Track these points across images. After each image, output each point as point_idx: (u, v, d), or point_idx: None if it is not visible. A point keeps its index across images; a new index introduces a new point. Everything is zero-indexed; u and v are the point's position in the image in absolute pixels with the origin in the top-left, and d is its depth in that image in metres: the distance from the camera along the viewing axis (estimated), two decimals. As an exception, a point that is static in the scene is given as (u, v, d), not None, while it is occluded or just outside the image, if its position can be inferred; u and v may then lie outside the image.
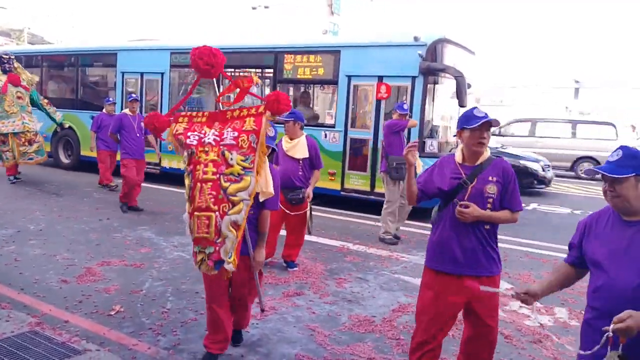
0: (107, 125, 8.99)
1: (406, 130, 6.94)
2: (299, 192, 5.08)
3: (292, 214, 5.17)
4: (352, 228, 7.47)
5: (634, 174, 1.99)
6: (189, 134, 3.00)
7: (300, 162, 5.11)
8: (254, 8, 33.13)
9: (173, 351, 3.44)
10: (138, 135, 8.02)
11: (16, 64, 9.79)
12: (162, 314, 4.02)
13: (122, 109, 10.42)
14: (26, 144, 9.36)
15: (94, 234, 6.32)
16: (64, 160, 12.08)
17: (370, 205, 8.30)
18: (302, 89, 9.77)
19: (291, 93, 9.76)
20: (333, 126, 8.65)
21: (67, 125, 11.17)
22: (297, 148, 5.10)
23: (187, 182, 2.99)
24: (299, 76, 9.13)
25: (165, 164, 10.53)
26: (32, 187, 9.31)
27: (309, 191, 5.19)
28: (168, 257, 5.53)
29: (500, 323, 4.09)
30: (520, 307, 4.52)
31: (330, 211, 8.40)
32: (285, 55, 9.15)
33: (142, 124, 7.71)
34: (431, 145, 8.06)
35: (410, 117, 7.19)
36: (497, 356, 3.10)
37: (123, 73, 11.19)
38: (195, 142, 2.97)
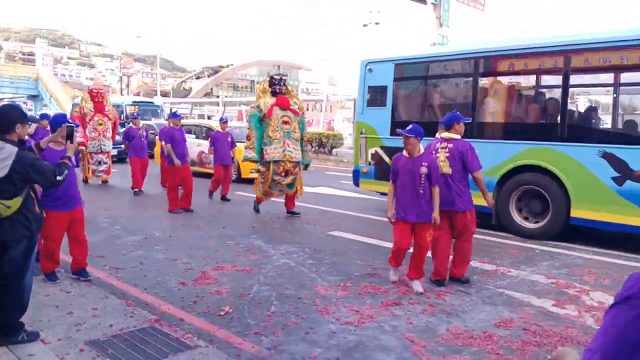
0: None
1: None
2: None
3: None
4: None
5: None
6: None
7: None
8: (365, 25, 33.84)
9: (274, 351, 3.65)
10: None
11: (289, 87, 9.17)
12: (266, 317, 4.27)
13: None
14: (282, 173, 8.49)
15: (211, 241, 6.86)
16: (523, 223, 7.59)
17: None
18: None
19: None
20: None
21: (311, 170, 9.47)
22: None
23: None
24: None
25: None
26: (166, 202, 10.27)
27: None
28: (275, 264, 5.83)
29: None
30: None
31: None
32: None
33: None
34: None
35: None
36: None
37: None
38: None
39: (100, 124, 11.77)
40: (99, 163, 11.82)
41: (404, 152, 4.96)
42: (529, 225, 7.54)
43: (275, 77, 8.97)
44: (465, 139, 5.23)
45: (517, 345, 3.80)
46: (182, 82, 75.39)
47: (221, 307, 4.43)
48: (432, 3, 20.27)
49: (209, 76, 68.66)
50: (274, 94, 8.77)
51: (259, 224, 8.14)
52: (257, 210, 9.13)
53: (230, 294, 4.80)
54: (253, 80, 77.16)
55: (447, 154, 5.15)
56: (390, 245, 6.63)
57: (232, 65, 73.78)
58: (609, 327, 0.96)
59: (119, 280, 5.10)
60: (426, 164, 4.83)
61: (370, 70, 9.45)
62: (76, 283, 4.86)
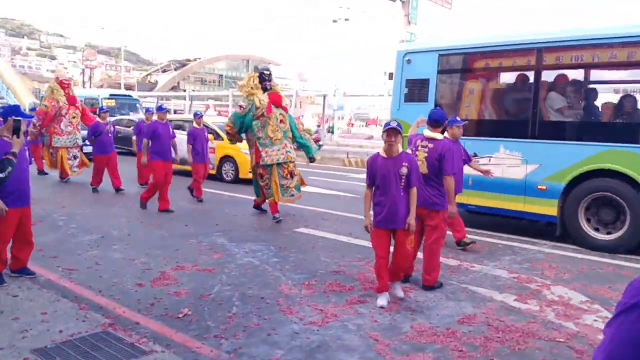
0: None
1: None
2: None
3: None
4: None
5: None
6: None
7: None
8: (334, 21, 33.89)
9: (234, 355, 3.53)
10: None
11: (273, 82, 8.58)
12: (227, 318, 4.14)
13: None
14: (288, 176, 8.08)
15: (172, 239, 6.66)
16: (593, 234, 6.80)
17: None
18: None
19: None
20: None
21: (318, 158, 8.73)
22: None
23: None
24: None
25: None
26: (125, 198, 9.98)
27: None
28: (238, 263, 5.69)
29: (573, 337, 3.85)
30: (595, 320, 4.19)
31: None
32: None
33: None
34: None
35: None
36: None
37: None
38: None
39: (74, 117, 11.47)
40: (74, 157, 11.45)
41: (381, 152, 4.55)
42: (601, 236, 6.72)
43: (264, 72, 8.41)
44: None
45: (479, 342, 3.79)
46: (147, 75, 73.79)
47: (180, 309, 4.27)
48: (400, 0, 20.38)
49: (175, 69, 67.42)
50: (264, 90, 8.24)
51: (223, 221, 7.96)
52: (276, 220, 8.07)
53: (190, 295, 4.64)
54: (221, 75, 76.02)
55: (426, 154, 4.97)
56: (359, 242, 6.65)
57: (199, 58, 72.66)
58: (618, 337, 0.88)
59: (72, 282, 4.87)
60: (406, 164, 4.42)
61: (408, 61, 8.36)
62: (24, 285, 4.60)
